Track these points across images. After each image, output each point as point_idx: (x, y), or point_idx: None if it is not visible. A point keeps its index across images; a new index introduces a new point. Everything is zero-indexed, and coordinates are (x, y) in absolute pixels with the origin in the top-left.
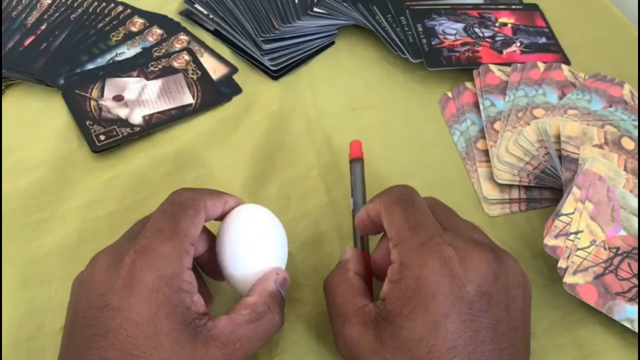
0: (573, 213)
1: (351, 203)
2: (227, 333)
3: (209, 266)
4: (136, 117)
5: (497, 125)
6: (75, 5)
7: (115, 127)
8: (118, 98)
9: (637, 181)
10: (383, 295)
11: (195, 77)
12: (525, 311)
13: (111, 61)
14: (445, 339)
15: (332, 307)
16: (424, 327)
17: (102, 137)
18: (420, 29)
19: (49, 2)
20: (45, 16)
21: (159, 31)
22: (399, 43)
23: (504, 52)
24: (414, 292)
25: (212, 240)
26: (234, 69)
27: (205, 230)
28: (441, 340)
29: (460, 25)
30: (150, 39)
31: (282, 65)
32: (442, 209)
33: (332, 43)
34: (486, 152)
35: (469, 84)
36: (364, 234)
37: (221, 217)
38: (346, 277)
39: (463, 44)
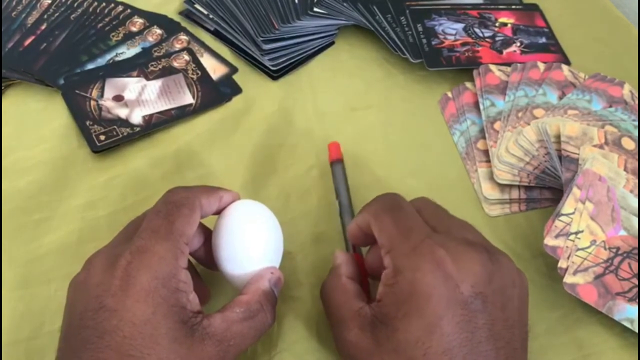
0: (573, 213)
1: (336, 204)
2: (222, 330)
3: (205, 259)
4: (136, 117)
5: (497, 125)
6: (75, 5)
7: (115, 127)
8: (118, 98)
9: (637, 181)
10: (379, 297)
11: (195, 77)
12: (522, 310)
13: (111, 61)
14: (440, 341)
15: (330, 313)
16: (419, 329)
17: (102, 137)
18: (420, 29)
19: (49, 2)
20: (45, 16)
21: (159, 31)
22: (399, 43)
23: (504, 52)
24: (408, 296)
25: (207, 233)
26: (234, 69)
27: (200, 225)
28: (436, 342)
29: (460, 25)
30: (150, 39)
31: (282, 65)
32: (432, 210)
33: (332, 43)
34: (486, 152)
35: (469, 84)
36: (356, 245)
37: (217, 212)
38: (340, 282)
39: (463, 44)
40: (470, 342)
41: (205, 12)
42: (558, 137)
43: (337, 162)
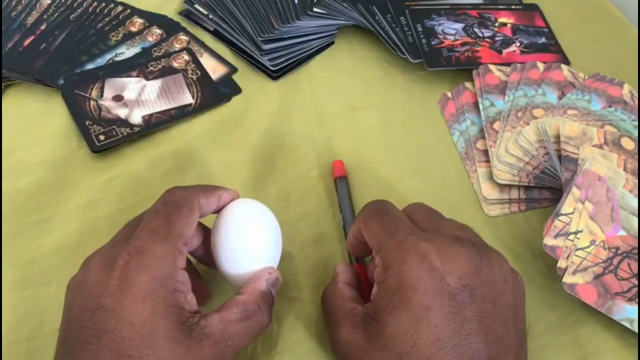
0: (572, 213)
1: (340, 219)
2: (220, 331)
3: (204, 258)
4: (136, 117)
5: (496, 126)
6: (75, 5)
7: (114, 127)
8: (118, 98)
9: (636, 181)
10: (372, 297)
11: (194, 77)
12: (517, 307)
13: (111, 61)
14: (428, 332)
15: (326, 316)
16: (407, 321)
17: (101, 137)
18: (419, 29)
19: (49, 2)
20: (45, 16)
21: (159, 31)
22: (398, 43)
23: (504, 52)
24: (396, 289)
25: (206, 232)
26: (233, 69)
27: (199, 224)
28: (424, 333)
29: (459, 25)
30: (150, 39)
31: (281, 66)
32: (425, 213)
33: (332, 43)
34: (486, 152)
35: (468, 84)
36: (357, 256)
37: (216, 211)
38: (336, 287)
39: (463, 44)
40: (458, 333)
41: (205, 12)
42: (557, 137)
43: (341, 179)
